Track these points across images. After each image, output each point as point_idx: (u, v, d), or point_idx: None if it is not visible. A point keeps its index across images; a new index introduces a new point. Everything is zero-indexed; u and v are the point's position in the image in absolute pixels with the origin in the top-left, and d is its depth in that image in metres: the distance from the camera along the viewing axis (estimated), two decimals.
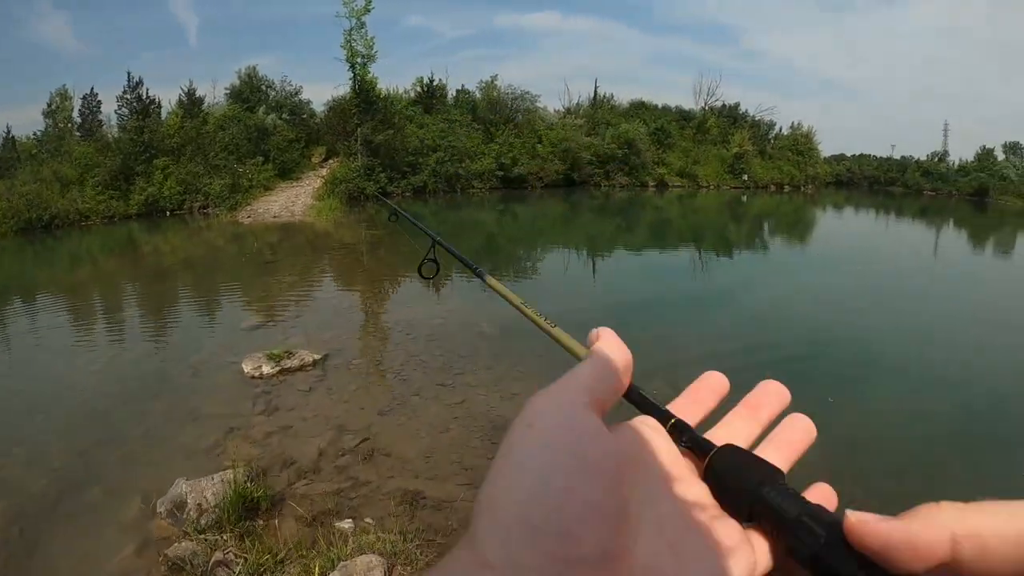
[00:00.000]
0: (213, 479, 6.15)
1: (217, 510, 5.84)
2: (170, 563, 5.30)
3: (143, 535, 5.92)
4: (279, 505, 6.11)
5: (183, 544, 5.47)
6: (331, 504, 6.02)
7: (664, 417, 0.64)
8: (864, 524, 0.40)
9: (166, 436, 8.06)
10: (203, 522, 5.80)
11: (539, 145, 50.82)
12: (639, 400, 0.66)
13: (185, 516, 5.89)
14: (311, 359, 9.96)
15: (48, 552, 5.97)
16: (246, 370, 9.72)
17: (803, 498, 0.51)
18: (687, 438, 0.62)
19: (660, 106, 65.40)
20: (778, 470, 0.55)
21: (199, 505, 5.93)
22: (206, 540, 5.53)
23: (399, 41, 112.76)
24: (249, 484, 6.13)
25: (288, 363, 9.78)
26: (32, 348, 13.37)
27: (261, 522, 5.85)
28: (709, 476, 0.59)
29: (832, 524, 0.45)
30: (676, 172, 56.06)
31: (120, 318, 15.58)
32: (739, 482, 0.55)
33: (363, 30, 41.17)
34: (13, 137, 46.97)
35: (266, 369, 9.63)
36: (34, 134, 47.47)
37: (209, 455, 7.36)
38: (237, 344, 11.48)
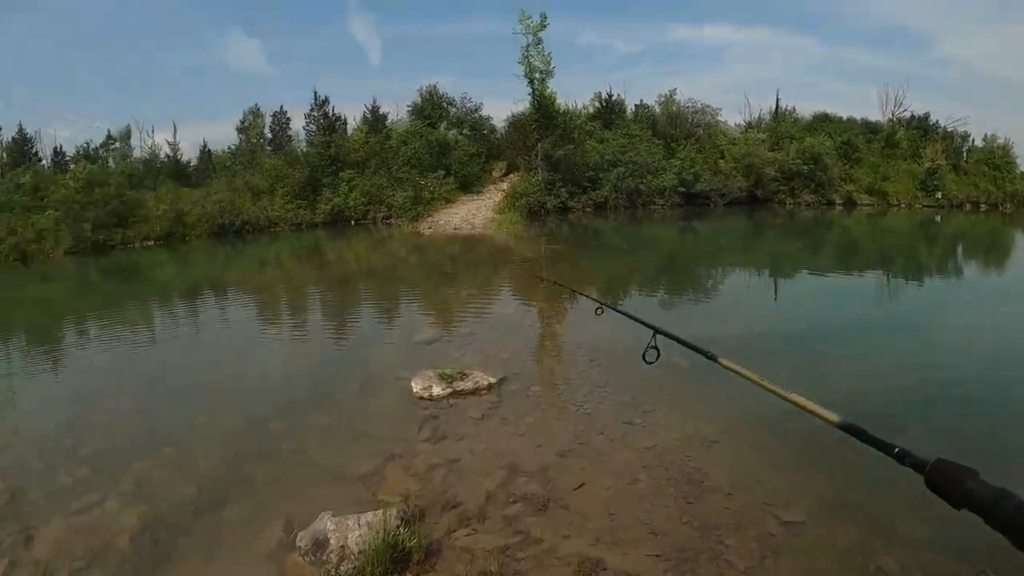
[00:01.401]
0: (360, 520, 5.42)
1: (361, 557, 5.11)
2: None
3: (276, 571, 5.36)
4: (434, 558, 5.25)
5: None
6: (494, 565, 5.08)
7: None
8: None
9: (321, 456, 7.48)
10: (343, 569, 5.10)
11: (721, 160, 48.91)
12: None
13: (325, 558, 5.23)
14: (486, 382, 9.14)
15: (178, 568, 5.55)
16: (415, 389, 9.06)
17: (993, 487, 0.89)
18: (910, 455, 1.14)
19: (844, 118, 61.46)
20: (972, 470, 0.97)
21: (341, 548, 5.24)
22: None
23: (575, 59, 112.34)
24: (402, 529, 5.34)
25: (461, 385, 9.03)
26: (207, 346, 13.49)
27: None
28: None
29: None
30: (864, 189, 52.08)
31: (296, 322, 15.56)
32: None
33: (540, 46, 41.03)
34: (209, 150, 51.51)
35: (437, 390, 8.92)
36: (228, 148, 52.09)
37: (365, 483, 6.68)
38: (408, 359, 10.92)
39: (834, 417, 1.74)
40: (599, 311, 4.78)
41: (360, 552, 5.12)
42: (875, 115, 62.92)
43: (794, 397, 1.88)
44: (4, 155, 52.59)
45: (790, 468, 6.65)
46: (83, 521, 6.55)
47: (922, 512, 5.68)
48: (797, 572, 5.07)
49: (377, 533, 5.18)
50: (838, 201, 50.65)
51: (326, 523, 5.45)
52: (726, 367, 2.35)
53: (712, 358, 2.49)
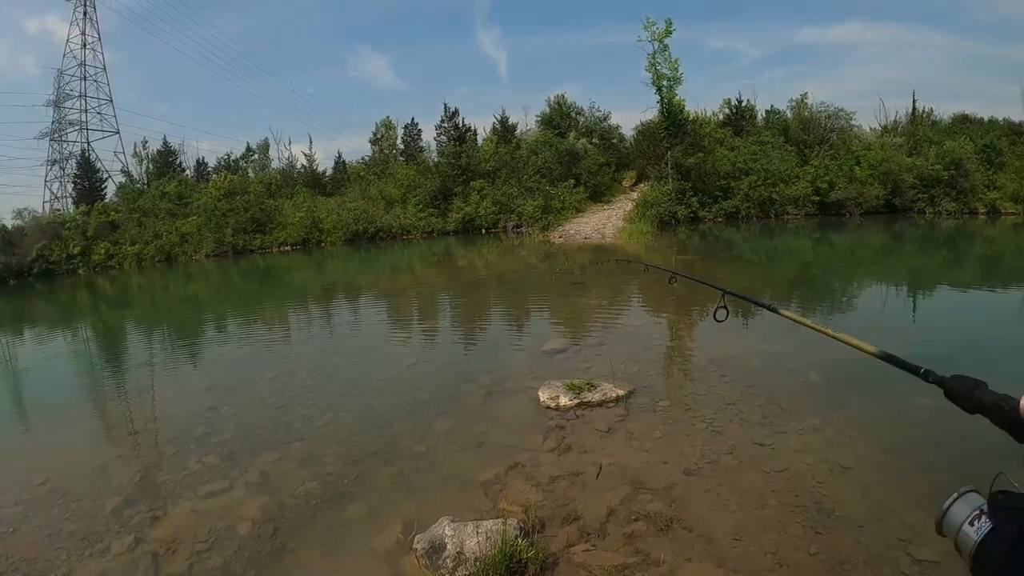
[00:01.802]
0: (479, 527, 5.42)
1: (477, 565, 5.11)
2: None
3: (392, 570, 5.43)
4: (550, 572, 5.19)
5: None
6: None
7: None
8: None
9: (445, 460, 7.58)
10: (459, 574, 5.13)
11: (856, 167, 46.52)
12: None
13: (440, 562, 5.27)
14: (614, 395, 9.01)
15: (294, 560, 5.70)
16: (542, 398, 9.04)
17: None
18: (932, 374, 1.77)
19: (986, 119, 56.76)
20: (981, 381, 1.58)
21: (458, 554, 5.27)
22: None
23: (702, 65, 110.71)
24: (520, 540, 5.33)
25: (589, 396, 8.94)
26: (337, 347, 13.86)
27: None
28: (948, 395, 1.77)
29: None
30: (1009, 196, 47.20)
31: (425, 326, 15.83)
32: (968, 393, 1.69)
33: (666, 52, 40.50)
34: (343, 161, 53.96)
35: (564, 400, 8.87)
36: (362, 159, 54.65)
37: (487, 491, 6.69)
38: (536, 368, 10.97)
39: (872, 348, 2.06)
40: (672, 280, 4.76)
41: (476, 560, 5.14)
42: (1019, 115, 58.58)
43: (841, 335, 2.21)
44: (151, 166, 55.98)
45: (927, 503, 6.18)
46: (208, 506, 6.81)
47: None
48: None
49: (495, 542, 5.18)
50: (981, 210, 46.77)
51: (444, 528, 5.47)
52: (787, 317, 2.70)
53: (774, 310, 2.90)
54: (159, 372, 13.53)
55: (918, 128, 54.26)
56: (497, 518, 5.58)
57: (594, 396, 8.90)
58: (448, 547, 5.28)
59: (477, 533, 5.34)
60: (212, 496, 7.07)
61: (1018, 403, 1.44)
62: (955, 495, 1.59)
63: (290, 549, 5.85)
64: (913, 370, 1.81)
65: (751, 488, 6.49)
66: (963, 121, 56.25)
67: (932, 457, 7.23)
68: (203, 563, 5.77)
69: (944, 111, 59.71)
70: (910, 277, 22.34)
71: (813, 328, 2.48)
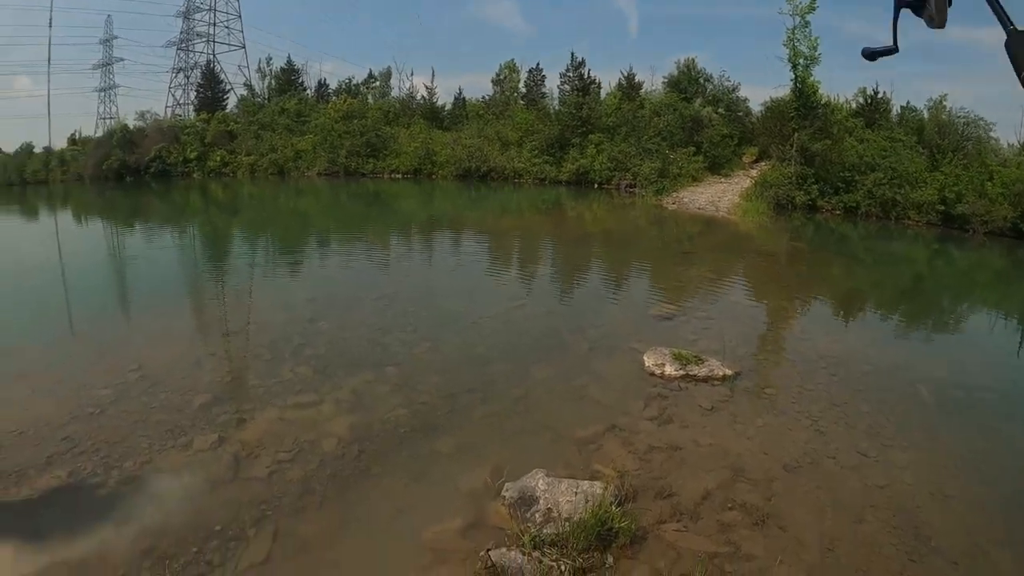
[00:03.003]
0: (577, 487, 5.44)
1: (567, 525, 5.07)
2: (490, 567, 4.71)
3: (477, 514, 5.43)
4: (638, 546, 5.14)
5: (512, 554, 4.83)
6: (699, 571, 4.89)
7: None
8: None
9: (542, 408, 7.58)
10: (546, 532, 5.07)
11: (989, 183, 44.32)
12: None
13: (529, 515, 5.26)
14: (721, 373, 8.87)
15: (377, 484, 5.76)
16: (647, 363, 8.95)
17: None
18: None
19: None
20: None
21: (549, 511, 5.26)
22: (540, 561, 4.79)
23: (839, 48, 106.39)
24: (614, 507, 5.28)
25: (695, 370, 8.81)
26: (438, 278, 13.97)
27: (611, 559, 4.94)
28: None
29: None
30: None
31: (529, 272, 15.84)
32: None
33: (807, 29, 38.41)
34: (464, 98, 53.93)
35: (669, 369, 8.76)
36: (483, 97, 54.06)
37: (581, 448, 6.66)
38: (641, 331, 10.84)
39: None
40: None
41: (567, 519, 5.07)
42: None
43: None
44: (273, 82, 57.06)
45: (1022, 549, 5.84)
46: (296, 416, 6.88)
47: None
48: None
49: (591, 506, 5.15)
50: None
51: (538, 481, 5.43)
52: None
53: None
54: (261, 278, 13.78)
55: None
56: (592, 479, 5.52)
57: (701, 370, 8.77)
58: (540, 502, 5.23)
59: (574, 492, 5.24)
60: (301, 407, 7.13)
61: None
62: None
63: (373, 474, 5.85)
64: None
65: (850, 498, 6.31)
66: None
67: None
68: (283, 473, 5.81)
69: None
70: (1020, 308, 21.25)
71: None
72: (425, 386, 7.81)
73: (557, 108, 48.89)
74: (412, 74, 64.71)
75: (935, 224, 42.14)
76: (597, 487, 5.32)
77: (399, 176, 42.69)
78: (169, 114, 59.59)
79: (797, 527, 5.63)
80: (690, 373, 8.66)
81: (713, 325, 11.59)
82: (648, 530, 5.27)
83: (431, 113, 52.04)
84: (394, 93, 57.59)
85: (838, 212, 39.32)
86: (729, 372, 8.87)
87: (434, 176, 42.73)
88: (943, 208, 42.34)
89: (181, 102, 63.40)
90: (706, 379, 8.65)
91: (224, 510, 5.40)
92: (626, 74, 49.99)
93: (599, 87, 50.57)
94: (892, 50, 1.63)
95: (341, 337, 9.53)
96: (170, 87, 65.23)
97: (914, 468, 7.09)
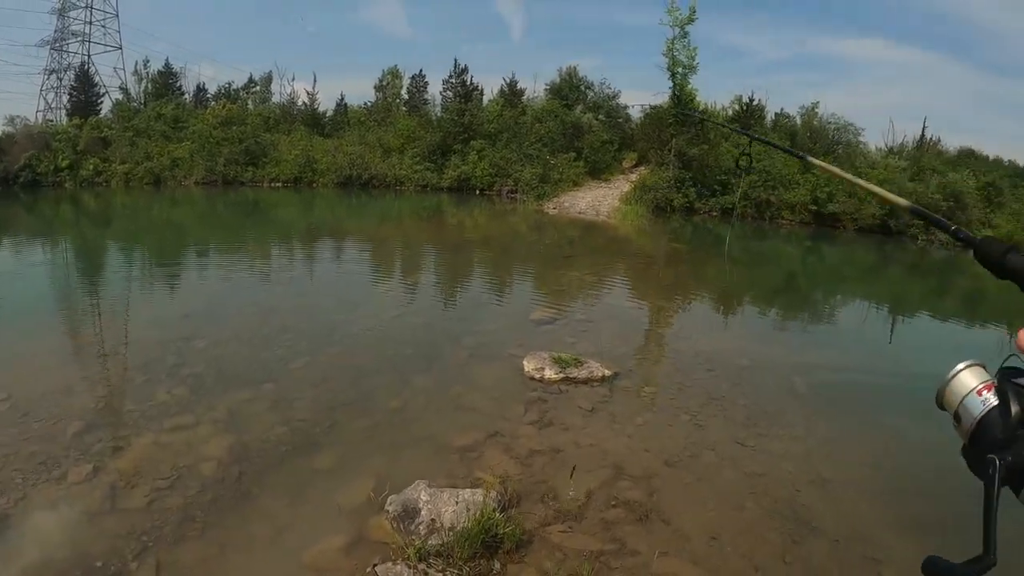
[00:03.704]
0: (458, 496, 5.29)
1: (451, 535, 4.95)
2: None
3: (360, 530, 5.26)
4: (524, 550, 5.07)
5: (398, 568, 4.69)
6: (586, 570, 4.85)
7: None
8: None
9: (421, 419, 7.42)
10: (431, 544, 4.94)
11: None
12: None
13: (413, 528, 5.12)
14: (600, 374, 8.89)
15: (258, 506, 5.53)
16: (526, 368, 8.87)
17: None
18: (962, 233, 1.42)
19: (991, 157, 57.45)
20: (1012, 246, 1.15)
21: (432, 521, 5.13)
22: (426, 573, 4.67)
23: (716, 58, 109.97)
24: (498, 514, 5.17)
25: (575, 372, 8.81)
26: (318, 290, 13.67)
27: (497, 566, 4.85)
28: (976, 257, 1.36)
29: None
30: (1004, 237, 48.29)
31: (410, 280, 15.65)
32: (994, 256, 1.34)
33: (686, 40, 39.82)
34: (346, 103, 53.04)
35: (549, 373, 8.72)
36: (365, 103, 52.88)
37: (463, 457, 6.56)
38: (521, 336, 10.78)
39: (904, 202, 1.88)
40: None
41: (451, 529, 4.96)
42: None
43: (871, 186, 2.05)
44: (150, 86, 55.08)
45: (904, 525, 6.24)
46: (173, 440, 6.61)
47: None
48: None
49: (473, 513, 5.02)
50: None
51: (420, 492, 5.31)
52: (812, 163, 2.59)
53: (801, 158, 2.72)
54: (135, 295, 13.24)
55: (923, 155, 54.32)
56: (474, 487, 5.43)
57: (580, 372, 8.77)
58: (423, 513, 5.12)
59: (456, 502, 5.17)
60: (178, 430, 6.84)
61: None
62: (962, 365, 1.38)
63: (254, 495, 5.66)
64: (943, 226, 1.68)
65: (730, 488, 6.44)
66: (969, 155, 56.39)
67: (911, 483, 7.23)
68: (162, 501, 5.55)
69: (951, 142, 59.59)
70: (892, 299, 22.31)
71: (844, 176, 2.35)
72: (303, 402, 7.61)
73: (439, 115, 48.89)
74: (294, 79, 63.49)
75: (808, 223, 44.08)
76: (479, 495, 5.27)
77: (279, 185, 41.77)
78: (40, 119, 56.57)
79: (680, 519, 5.69)
80: (570, 376, 8.65)
81: (592, 327, 11.69)
82: (533, 533, 5.21)
83: (312, 120, 50.90)
84: (275, 99, 56.21)
85: (715, 213, 40.59)
86: (608, 373, 8.92)
87: (315, 184, 41.90)
88: (815, 208, 44.37)
89: (53, 106, 60.24)
90: (586, 381, 8.67)
91: (104, 544, 5.09)
92: (509, 81, 50.43)
93: (482, 94, 50.78)
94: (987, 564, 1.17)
95: (218, 355, 9.21)
96: (41, 90, 62.18)
97: (792, 456, 7.31)
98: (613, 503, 5.84)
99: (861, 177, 2.22)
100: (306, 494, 5.68)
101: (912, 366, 12.47)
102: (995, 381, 1.32)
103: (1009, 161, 57.24)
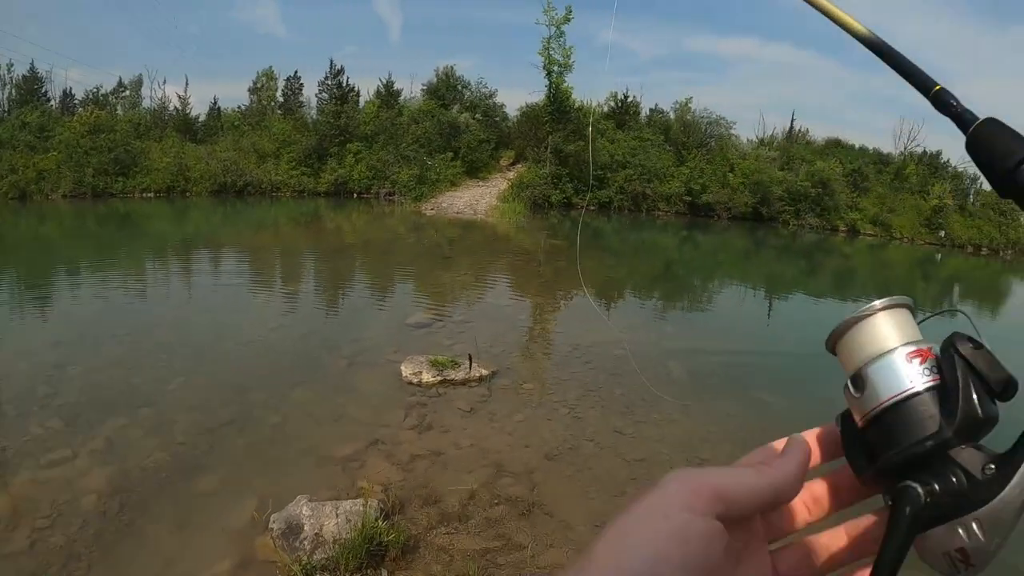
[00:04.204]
0: (338, 508, 5.22)
1: (336, 547, 4.89)
2: None
3: (245, 551, 5.13)
4: (411, 555, 5.05)
5: None
6: (473, 569, 4.87)
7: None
8: None
9: (302, 433, 7.27)
10: (316, 558, 4.88)
11: (730, 174, 48.32)
12: None
13: (298, 544, 5.01)
14: (477, 374, 8.92)
15: (142, 536, 5.34)
16: (404, 373, 8.81)
17: None
18: (955, 103, 0.78)
19: (857, 146, 60.86)
20: None
21: (316, 535, 5.04)
22: None
23: (594, 56, 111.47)
24: (380, 522, 5.13)
25: (452, 374, 8.80)
26: (194, 306, 13.26)
27: (384, 574, 4.83)
28: (970, 146, 0.74)
29: None
30: (869, 219, 51.25)
31: (287, 290, 15.32)
32: (999, 157, 0.71)
33: (562, 39, 40.91)
34: (219, 107, 51.04)
35: (427, 376, 8.69)
36: (239, 107, 51.30)
37: (345, 468, 6.48)
38: (399, 341, 10.71)
39: (863, 29, 1.13)
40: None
41: (335, 542, 4.92)
42: (887, 147, 62.44)
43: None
44: (12, 91, 52.00)
45: None
46: (51, 476, 6.32)
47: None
48: None
49: (355, 524, 4.98)
50: (842, 228, 50.16)
51: (302, 508, 5.24)
52: None
53: None
54: (1, 322, 12.68)
55: (793, 145, 57.08)
56: (356, 498, 5.41)
57: (457, 374, 8.78)
58: (306, 528, 5.07)
59: (337, 514, 5.15)
60: (55, 465, 6.58)
61: None
62: (882, 302, 0.78)
63: (138, 527, 5.50)
64: (920, 84, 0.83)
65: (610, 475, 6.59)
66: (835, 145, 60.22)
67: None
68: (45, 542, 5.35)
69: (819, 133, 63.97)
70: (766, 282, 23.24)
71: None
72: (182, 424, 7.40)
73: (315, 117, 48.10)
74: (165, 82, 61.30)
75: (683, 213, 45.43)
76: (361, 504, 5.30)
77: (151, 195, 40.19)
78: None
79: (563, 511, 5.80)
80: (447, 378, 8.67)
81: (470, 328, 11.70)
82: (419, 538, 5.19)
83: (184, 125, 48.83)
84: (145, 104, 54.00)
85: (593, 207, 41.29)
86: (486, 372, 8.98)
87: (188, 194, 40.40)
88: (690, 199, 45.84)
89: None
90: (464, 382, 8.71)
91: None
92: (385, 81, 50.02)
93: (358, 95, 50.15)
94: None
95: (92, 382, 8.84)
96: None
97: (669, 439, 7.57)
98: (496, 501, 5.87)
99: None
100: (191, 520, 5.56)
101: (784, 344, 13.10)
102: (934, 350, 0.74)
103: (873, 149, 61.17)
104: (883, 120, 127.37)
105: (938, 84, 0.90)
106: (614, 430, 7.68)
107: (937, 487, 0.68)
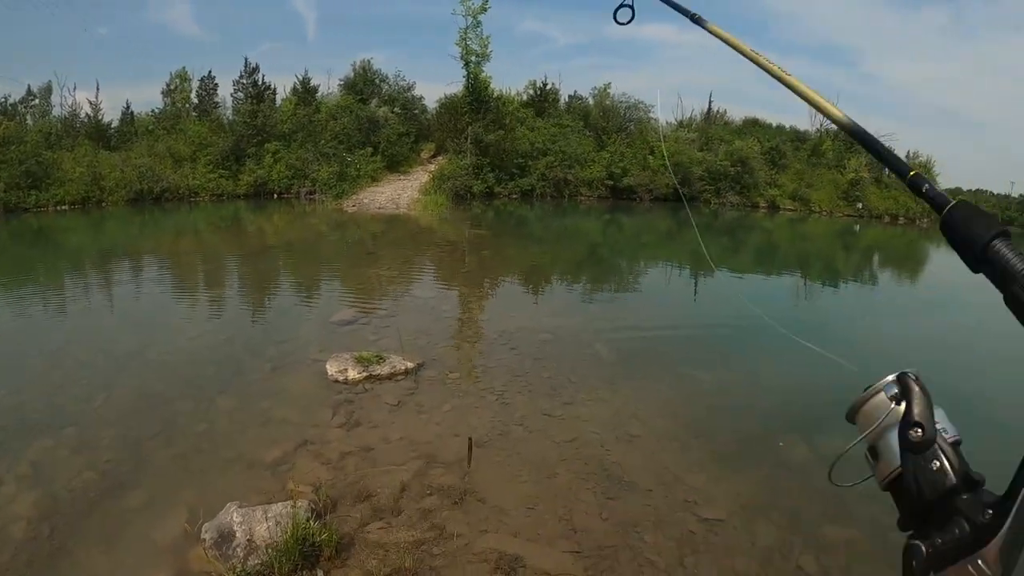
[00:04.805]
0: (269, 512, 5.15)
1: (269, 551, 4.81)
2: None
3: (179, 564, 5.02)
4: (345, 553, 5.01)
5: None
6: (408, 561, 4.85)
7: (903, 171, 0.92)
8: None
9: (229, 439, 7.14)
10: (250, 564, 4.81)
11: (650, 157, 49.14)
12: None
13: (231, 552, 4.93)
14: (403, 367, 8.89)
15: (74, 559, 5.20)
16: (330, 372, 8.73)
17: None
18: (927, 188, 0.91)
19: (774, 125, 62.79)
20: (1004, 227, 0.75)
21: (248, 541, 4.96)
22: None
23: (513, 45, 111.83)
24: (312, 522, 5.10)
25: (378, 369, 8.74)
26: (115, 319, 12.93)
27: (321, 574, 4.80)
28: (945, 227, 0.84)
29: None
30: (788, 195, 53.26)
31: (209, 296, 15.01)
32: (974, 234, 0.79)
33: (479, 29, 41.00)
34: (132, 112, 49.09)
35: (352, 373, 8.62)
36: (152, 111, 49.46)
37: (274, 472, 6.38)
38: (324, 339, 10.60)
39: (841, 115, 1.37)
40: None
41: (268, 546, 4.85)
42: (804, 124, 64.31)
43: (793, 80, 1.52)
44: None
45: (712, 466, 6.67)
46: None
47: (841, 514, 5.76)
48: (717, 570, 5.04)
49: (286, 526, 4.93)
50: (762, 204, 51.80)
51: (232, 514, 5.16)
52: (712, 32, 1.99)
53: (698, 21, 2.19)
54: None
55: (711, 126, 58.37)
56: (286, 500, 5.37)
57: (383, 369, 8.74)
58: (238, 535, 4.99)
59: (267, 518, 5.08)
60: None
61: None
62: (893, 376, 0.93)
63: (69, 549, 5.35)
64: (900, 171, 1.09)
65: (541, 458, 6.64)
66: (753, 124, 62.50)
67: (711, 426, 7.77)
68: None
69: (737, 113, 65.50)
70: (691, 260, 23.61)
71: (755, 61, 1.75)
72: (107, 441, 7.19)
73: (232, 118, 47.12)
74: (75, 89, 59.19)
75: (605, 197, 46.01)
76: (289, 507, 5.25)
77: (65, 208, 38.91)
78: None
79: (496, 496, 5.83)
80: (373, 373, 8.62)
81: (395, 322, 11.68)
82: (353, 535, 5.16)
83: (97, 132, 47.16)
84: (56, 112, 52.16)
85: (515, 196, 41.51)
86: (411, 365, 8.96)
87: (105, 204, 39.24)
88: (611, 183, 46.36)
89: None
90: (390, 376, 8.67)
91: None
92: (301, 78, 49.22)
93: (274, 93, 49.22)
94: None
95: (12, 404, 8.50)
96: None
97: (598, 419, 7.65)
98: (428, 492, 5.87)
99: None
100: (122, 537, 5.43)
101: (711, 319, 13.35)
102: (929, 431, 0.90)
103: (791, 127, 63.25)
104: (799, 99, 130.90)
105: (913, 169, 1.07)
106: (542, 413, 7.75)
107: (940, 540, 0.82)
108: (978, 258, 0.85)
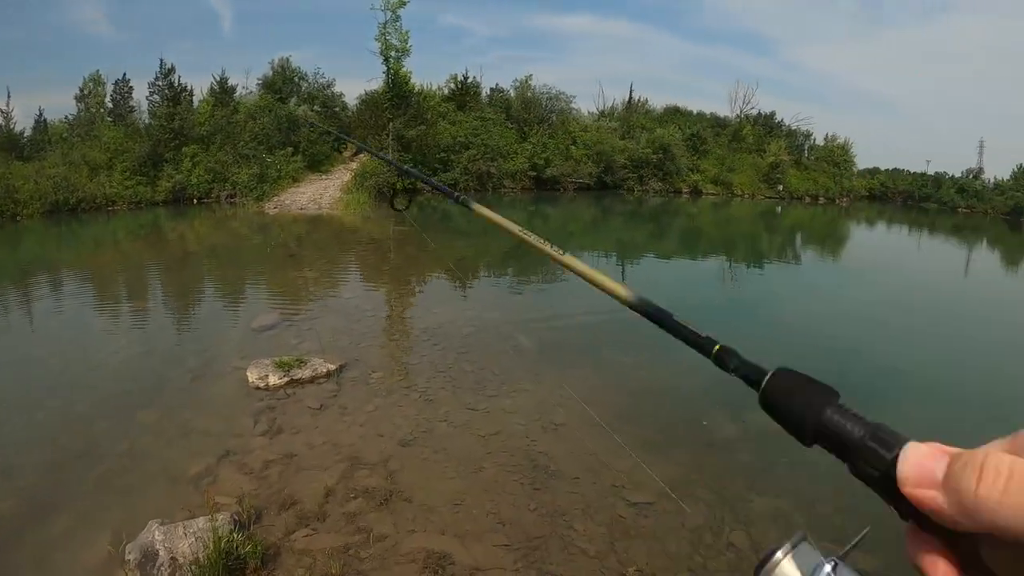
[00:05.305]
0: (190, 528, 5.04)
1: (194, 568, 4.73)
2: None
3: None
4: (271, 564, 4.95)
5: None
6: (336, 567, 4.83)
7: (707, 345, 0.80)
8: (916, 484, 0.52)
9: (151, 456, 6.97)
10: None
11: (573, 147, 49.63)
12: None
13: (155, 572, 4.82)
14: (325, 370, 8.80)
15: None
16: (251, 379, 8.60)
17: (863, 419, 0.61)
18: (736, 364, 0.77)
19: (695, 112, 64.93)
20: (832, 390, 0.65)
21: (172, 559, 4.85)
22: None
23: (433, 39, 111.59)
24: (235, 535, 5.00)
25: (299, 373, 8.64)
26: (30, 336, 12.49)
27: None
28: (765, 403, 0.70)
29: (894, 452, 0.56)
30: (710, 179, 54.83)
31: (129, 308, 14.64)
32: (800, 407, 0.67)
33: (398, 23, 40.72)
34: (45, 120, 47.23)
35: (273, 379, 8.50)
36: (65, 118, 47.36)
37: (196, 485, 6.25)
38: (245, 346, 10.42)
39: (625, 294, 1.21)
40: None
41: (192, 563, 4.75)
42: (724, 111, 66.36)
43: (569, 260, 1.36)
44: None
45: (639, 450, 6.72)
46: None
47: (772, 487, 5.86)
48: (648, 553, 5.08)
49: (208, 541, 4.82)
50: (685, 190, 53.13)
51: (154, 533, 5.04)
52: (477, 213, 1.87)
53: (463, 203, 2.06)
54: None
55: (632, 115, 59.27)
56: (209, 514, 5.25)
57: (304, 372, 8.64)
58: (160, 554, 4.87)
59: (188, 534, 4.98)
60: None
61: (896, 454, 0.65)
62: (787, 544, 0.80)
63: None
64: (701, 346, 0.97)
65: (467, 453, 6.65)
66: (674, 112, 64.56)
67: (636, 410, 7.92)
68: None
69: (658, 102, 67.72)
70: (617, 246, 23.85)
71: (526, 241, 1.48)
72: (28, 466, 6.94)
73: (148, 122, 45.86)
74: None
75: (529, 188, 46.27)
76: (215, 520, 5.15)
77: None
78: None
79: (422, 495, 5.81)
80: (295, 378, 8.52)
81: (317, 324, 11.59)
82: (278, 545, 5.08)
83: (9, 142, 45.51)
84: None
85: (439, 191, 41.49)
86: (333, 367, 8.88)
87: (19, 217, 37.90)
88: (535, 174, 46.61)
89: None
90: (311, 379, 8.58)
91: None
92: (218, 78, 48.15)
93: (191, 94, 48.07)
94: None
95: None
96: None
97: (522, 410, 7.71)
98: (353, 495, 5.82)
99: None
100: (47, 565, 5.25)
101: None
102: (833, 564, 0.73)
103: (711, 113, 65.50)
104: (719, 86, 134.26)
105: (718, 344, 0.91)
106: (467, 407, 7.77)
107: None
108: (816, 429, 0.68)
